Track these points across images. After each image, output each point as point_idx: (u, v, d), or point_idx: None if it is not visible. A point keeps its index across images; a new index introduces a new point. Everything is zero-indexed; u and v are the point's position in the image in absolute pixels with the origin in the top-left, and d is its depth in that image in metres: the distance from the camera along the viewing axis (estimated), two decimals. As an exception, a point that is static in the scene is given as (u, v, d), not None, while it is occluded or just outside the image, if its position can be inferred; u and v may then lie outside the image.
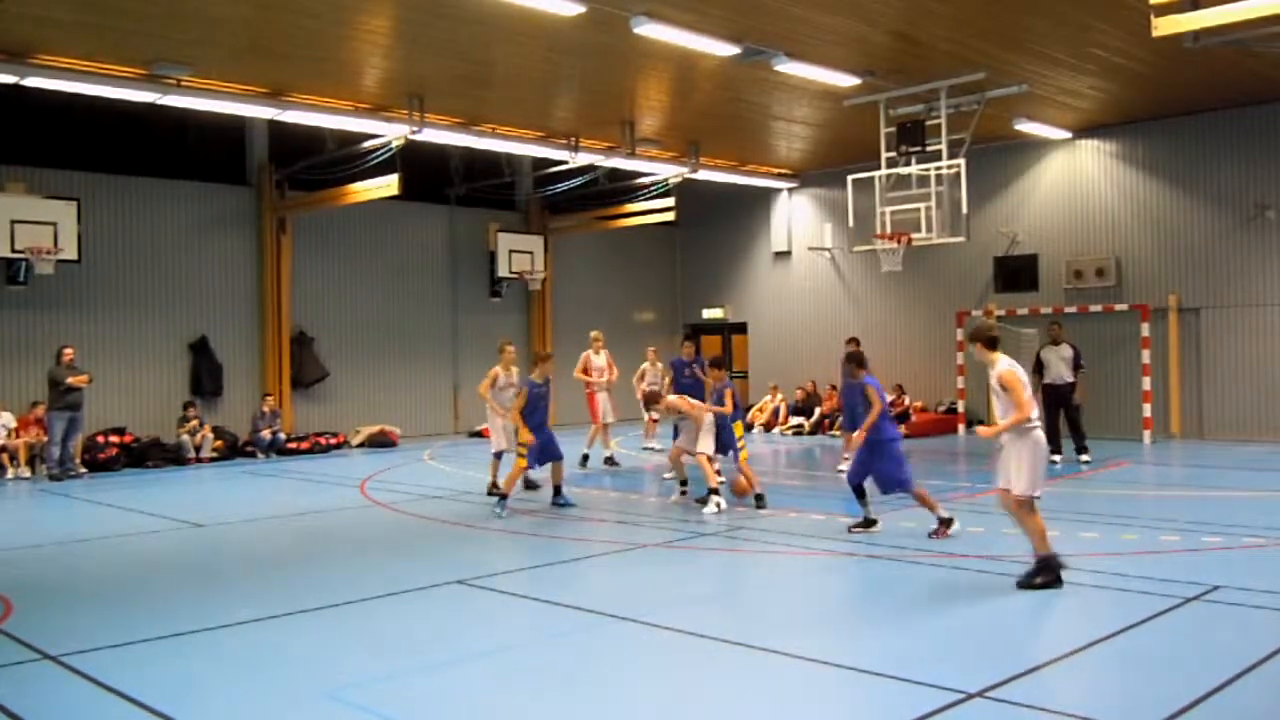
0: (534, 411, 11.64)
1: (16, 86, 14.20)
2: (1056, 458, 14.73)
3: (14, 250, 16.23)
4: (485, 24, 13.06)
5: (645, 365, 18.01)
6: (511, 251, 22.91)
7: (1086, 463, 14.94)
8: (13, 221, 16.23)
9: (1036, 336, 19.92)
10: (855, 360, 10.82)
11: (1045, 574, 7.58)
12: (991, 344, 8.04)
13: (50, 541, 10.54)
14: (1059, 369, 15.14)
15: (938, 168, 16.48)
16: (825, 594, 7.97)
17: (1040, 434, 7.76)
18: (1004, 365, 7.85)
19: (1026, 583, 7.58)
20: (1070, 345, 15.34)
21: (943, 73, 15.53)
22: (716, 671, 6.02)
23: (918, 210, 16.82)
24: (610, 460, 16.05)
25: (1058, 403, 15.19)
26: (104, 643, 6.68)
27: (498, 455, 12.89)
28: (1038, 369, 15.21)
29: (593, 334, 17.11)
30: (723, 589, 8.35)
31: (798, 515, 11.23)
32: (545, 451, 11.70)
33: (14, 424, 16.15)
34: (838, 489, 13.88)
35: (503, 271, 22.78)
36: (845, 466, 14.42)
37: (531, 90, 16.73)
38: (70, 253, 16.78)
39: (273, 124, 18.30)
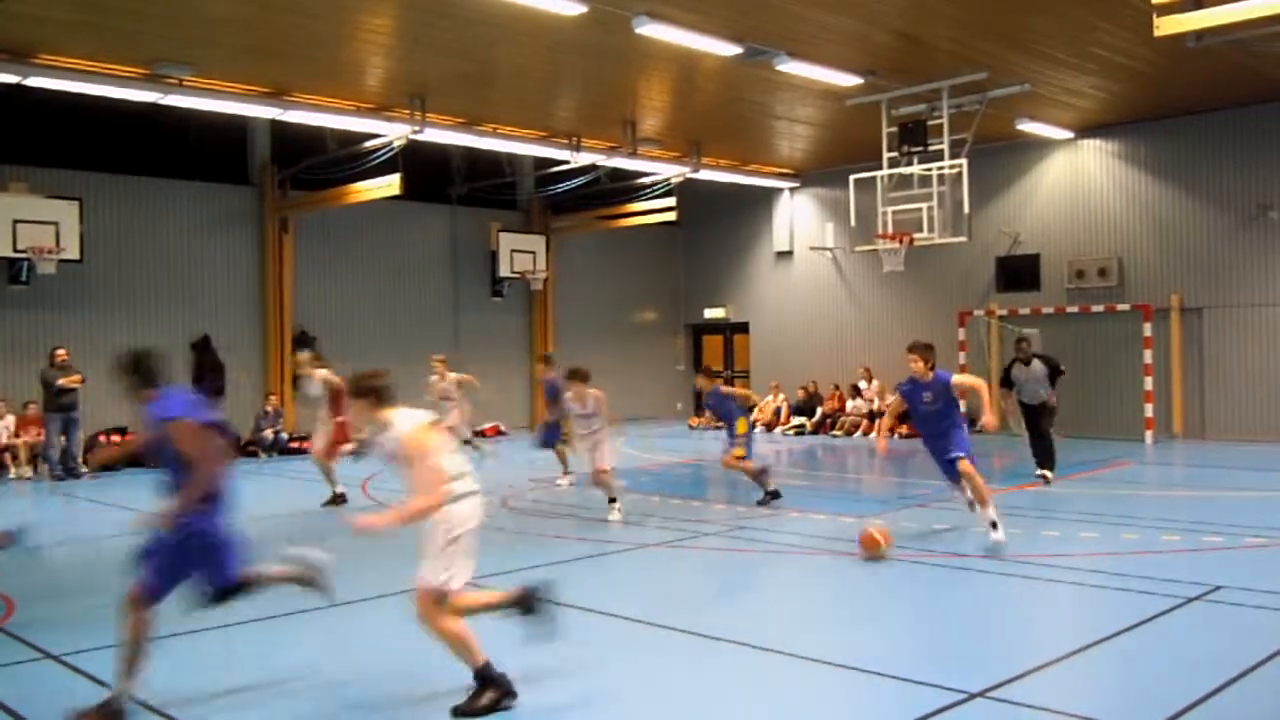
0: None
1: (19, 86, 14.20)
2: (1049, 473, 13.31)
3: (16, 250, 16.25)
4: (487, 23, 13.07)
5: (434, 378, 15.69)
6: (513, 251, 22.91)
7: (1045, 479, 13.23)
8: (15, 221, 16.25)
9: (1039, 336, 19.95)
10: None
11: (489, 691, 5.35)
12: (378, 399, 5.50)
13: (52, 541, 10.54)
14: (1031, 389, 13.55)
15: (940, 168, 16.48)
16: (827, 594, 7.96)
17: (455, 506, 5.55)
18: (405, 426, 5.43)
19: (468, 709, 5.29)
20: (1043, 360, 13.67)
21: (945, 72, 15.53)
22: (718, 671, 6.02)
23: (919, 210, 16.82)
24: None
25: (1034, 419, 13.64)
26: (106, 642, 6.66)
27: None
28: (1005, 382, 13.83)
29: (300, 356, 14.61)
30: (724, 589, 8.34)
31: (800, 515, 11.22)
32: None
33: (14, 424, 16.19)
34: (839, 489, 13.91)
35: (504, 271, 22.78)
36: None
37: (533, 90, 16.73)
38: (72, 252, 16.80)
39: (275, 124, 18.30)
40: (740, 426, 11.90)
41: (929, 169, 16.65)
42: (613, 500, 11.26)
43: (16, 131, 16.93)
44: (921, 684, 5.51)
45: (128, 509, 12.44)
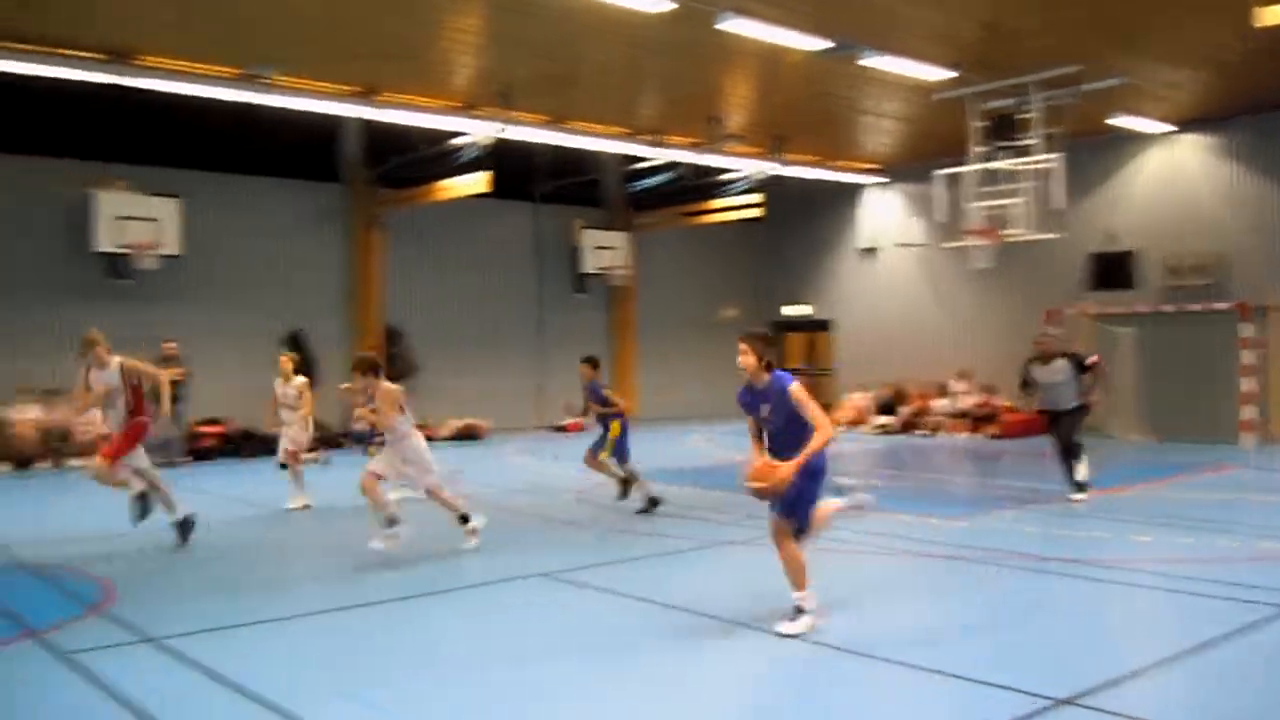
0: None
1: (119, 87, 14.68)
2: (1080, 496, 11.63)
3: (120, 246, 16.88)
4: (572, 22, 13.16)
5: (277, 381, 12.81)
6: (596, 248, 23.08)
7: (1077, 501, 11.63)
8: (119, 218, 16.87)
9: (1133, 335, 19.47)
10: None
11: None
12: None
13: (150, 528, 10.89)
14: (1054, 394, 11.75)
15: (1030, 163, 16.16)
16: (906, 595, 7.88)
17: None
18: None
19: None
20: (1069, 358, 11.82)
21: (1035, 65, 15.21)
22: (798, 673, 6.00)
23: (1009, 206, 16.52)
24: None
25: (1058, 431, 11.86)
26: (201, 626, 6.90)
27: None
28: (1024, 384, 12.15)
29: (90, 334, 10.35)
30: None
31: (881, 515, 11.12)
32: None
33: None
34: (923, 490, 13.71)
35: (587, 268, 22.95)
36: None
37: (617, 87, 16.82)
38: (173, 248, 17.39)
39: (365, 122, 18.67)
40: (614, 429, 11.64)
41: (1019, 164, 16.34)
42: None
43: (119, 131, 17.48)
44: (1006, 689, 5.44)
45: (224, 496, 12.85)
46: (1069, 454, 11.72)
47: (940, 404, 21.58)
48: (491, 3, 12.87)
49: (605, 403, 11.68)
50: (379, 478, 9.17)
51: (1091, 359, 11.97)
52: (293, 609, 7.44)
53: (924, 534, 10.00)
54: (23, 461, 16.36)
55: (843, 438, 21.27)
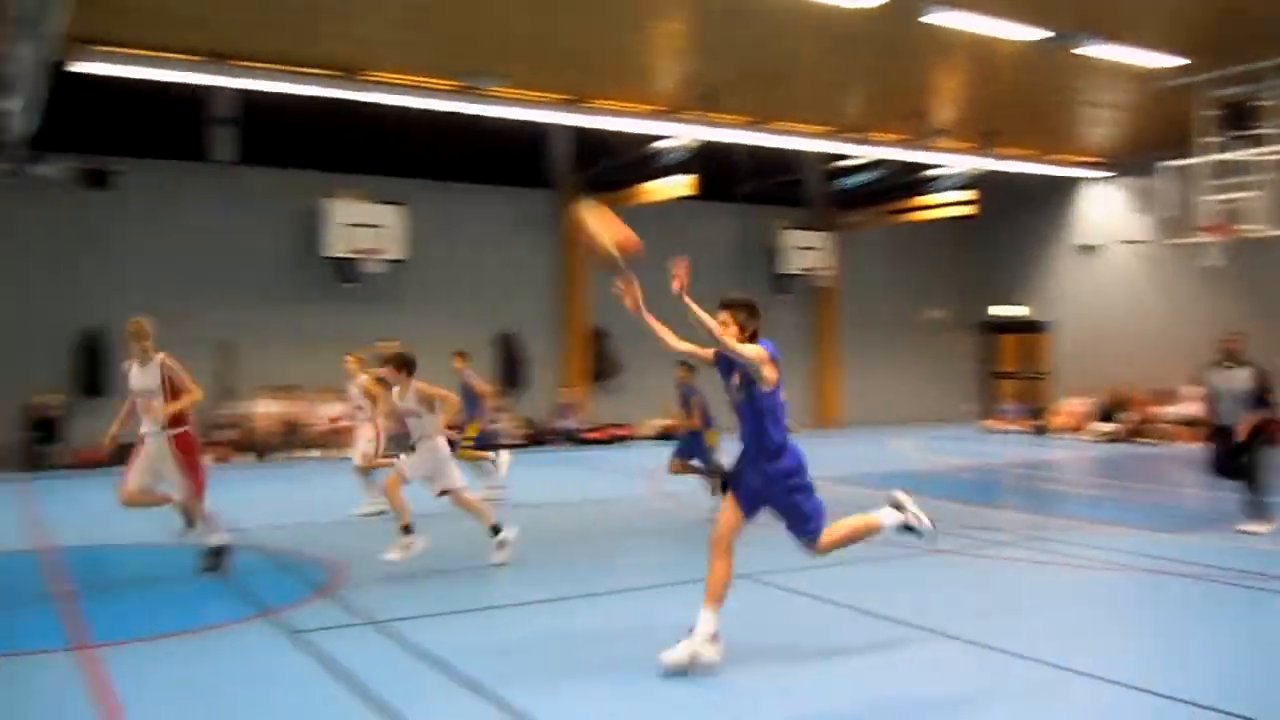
0: None
1: (348, 101, 15.59)
2: (1262, 529, 9.83)
3: (348, 251, 17.98)
4: (776, 22, 13.15)
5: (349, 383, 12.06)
6: (799, 248, 22.92)
7: (1249, 533, 9.83)
8: (348, 225, 17.98)
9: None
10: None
11: None
12: None
13: (372, 515, 11.53)
14: (1226, 406, 10.09)
15: (1268, 153, 15.06)
16: (1126, 612, 7.50)
17: None
18: None
19: None
20: (1256, 369, 10.10)
21: (1273, 49, 14.17)
22: (998, 688, 5.79)
23: (1244, 200, 15.46)
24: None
25: (1232, 450, 10.04)
26: (421, 611, 7.28)
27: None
28: (1209, 394, 10.46)
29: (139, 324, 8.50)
30: (1012, 601, 8.01)
31: (1102, 528, 10.61)
32: None
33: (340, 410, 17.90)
34: (1146, 501, 12.99)
35: (790, 268, 22.81)
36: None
37: (821, 85, 16.69)
38: (397, 253, 18.39)
39: (573, 129, 19.19)
40: (711, 439, 11.16)
41: (1257, 155, 15.26)
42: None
43: (347, 142, 18.54)
44: (1211, 710, 5.10)
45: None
46: (1245, 474, 10.01)
47: (1169, 411, 20.34)
48: (696, 7, 13.01)
49: (706, 411, 11.18)
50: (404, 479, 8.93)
51: (1273, 392, 10.15)
52: (502, 598, 7.75)
53: (1141, 548, 9.47)
54: (262, 452, 17.72)
55: (1057, 444, 20.40)
